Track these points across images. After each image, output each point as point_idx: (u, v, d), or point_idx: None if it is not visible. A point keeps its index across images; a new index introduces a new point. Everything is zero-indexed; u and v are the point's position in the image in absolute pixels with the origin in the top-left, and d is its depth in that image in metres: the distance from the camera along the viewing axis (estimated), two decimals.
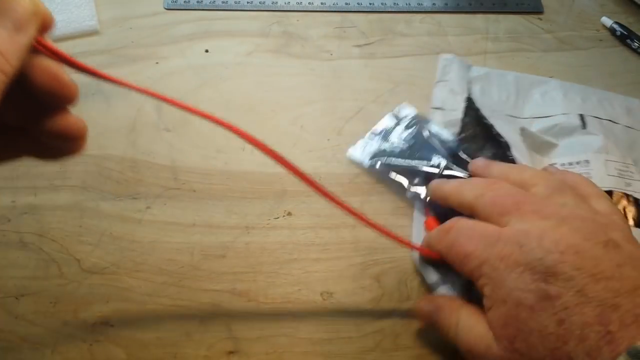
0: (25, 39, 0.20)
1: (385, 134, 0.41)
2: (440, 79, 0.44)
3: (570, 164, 0.39)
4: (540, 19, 0.50)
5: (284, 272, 0.36)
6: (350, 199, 0.39)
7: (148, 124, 0.41)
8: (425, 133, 0.40)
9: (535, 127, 0.41)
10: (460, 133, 0.40)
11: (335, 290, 0.35)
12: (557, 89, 0.44)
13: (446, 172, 0.38)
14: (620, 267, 0.25)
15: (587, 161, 0.39)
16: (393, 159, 0.39)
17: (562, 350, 0.24)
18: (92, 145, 0.40)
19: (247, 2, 0.49)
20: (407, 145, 0.40)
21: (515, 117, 0.42)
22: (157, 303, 0.34)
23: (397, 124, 0.41)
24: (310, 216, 0.38)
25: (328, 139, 0.41)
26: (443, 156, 0.38)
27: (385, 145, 0.40)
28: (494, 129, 0.39)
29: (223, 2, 0.48)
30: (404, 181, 0.38)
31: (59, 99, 0.22)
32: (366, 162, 0.40)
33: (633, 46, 0.48)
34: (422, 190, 0.38)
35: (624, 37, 0.49)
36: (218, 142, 0.41)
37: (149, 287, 0.35)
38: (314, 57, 0.46)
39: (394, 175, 0.38)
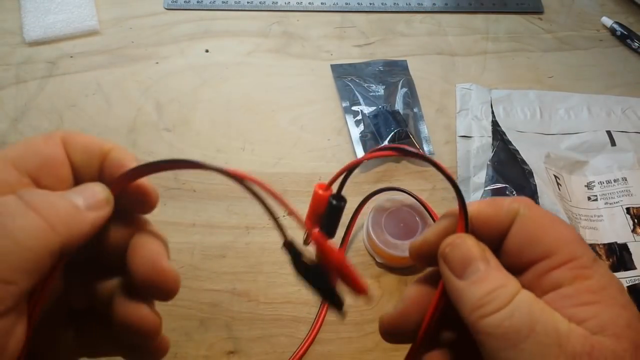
0: (90, 217, 0.19)
1: None
2: (461, 108, 0.44)
3: (609, 182, 0.40)
4: (541, 19, 0.50)
5: (284, 272, 0.36)
6: (350, 199, 0.39)
7: (148, 124, 0.41)
8: None
9: (564, 144, 0.42)
10: (492, 158, 0.40)
11: None
12: (580, 104, 0.44)
13: None
14: None
15: (624, 179, 0.39)
16: None
17: None
18: None
19: (247, 2, 0.49)
20: None
21: (544, 134, 0.42)
22: (157, 303, 0.34)
23: None
24: None
25: (328, 139, 0.41)
26: None
27: None
28: (519, 154, 0.39)
29: (223, 2, 0.48)
30: None
31: (157, 291, 0.21)
32: None
33: (633, 46, 0.48)
34: None
35: (624, 37, 0.49)
36: (218, 142, 0.41)
37: None
38: (314, 57, 0.46)
39: None
